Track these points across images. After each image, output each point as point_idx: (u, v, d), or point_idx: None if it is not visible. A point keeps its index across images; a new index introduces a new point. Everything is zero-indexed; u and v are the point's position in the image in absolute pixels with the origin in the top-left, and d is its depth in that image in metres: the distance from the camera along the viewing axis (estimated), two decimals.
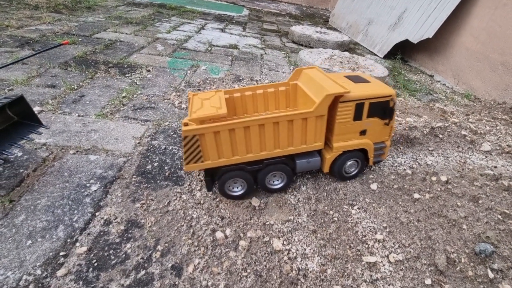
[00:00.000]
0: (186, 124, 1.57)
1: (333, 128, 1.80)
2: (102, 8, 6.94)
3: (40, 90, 2.99)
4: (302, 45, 6.63)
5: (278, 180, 1.93)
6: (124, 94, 3.14)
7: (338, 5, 9.82)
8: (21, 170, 1.95)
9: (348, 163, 1.94)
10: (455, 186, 1.84)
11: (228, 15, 8.75)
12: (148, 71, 3.87)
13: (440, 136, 2.26)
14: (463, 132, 2.29)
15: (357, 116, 1.77)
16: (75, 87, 3.14)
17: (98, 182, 1.95)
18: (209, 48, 5.23)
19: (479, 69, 4.78)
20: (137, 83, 3.47)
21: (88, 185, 1.92)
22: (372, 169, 2.14)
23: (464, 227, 1.63)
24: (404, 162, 2.13)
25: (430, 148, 2.19)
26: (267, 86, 2.06)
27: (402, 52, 6.29)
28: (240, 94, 2.01)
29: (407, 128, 2.32)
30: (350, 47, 6.91)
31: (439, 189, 1.85)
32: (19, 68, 3.35)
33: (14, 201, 1.73)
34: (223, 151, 1.66)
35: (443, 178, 1.88)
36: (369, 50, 7.06)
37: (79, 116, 2.66)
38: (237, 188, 1.88)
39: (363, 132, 1.86)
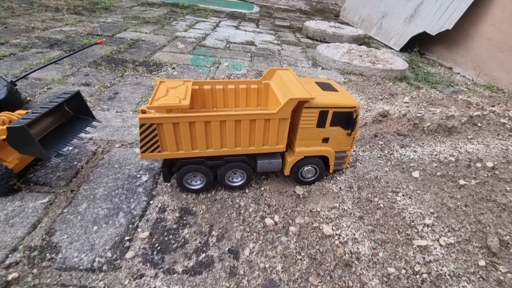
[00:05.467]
0: (143, 112, 1.51)
1: (296, 133, 1.80)
2: (118, 8, 7.07)
3: (76, 88, 3.10)
4: (317, 40, 6.63)
5: (238, 178, 1.91)
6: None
7: None
8: (75, 163, 2.05)
9: (305, 168, 1.93)
10: (502, 171, 1.86)
11: (239, 12, 8.79)
12: (173, 68, 3.95)
13: (479, 124, 2.27)
14: (502, 120, 2.30)
15: (321, 123, 1.78)
16: (108, 85, 3.24)
17: (147, 173, 2.04)
18: (227, 45, 5.30)
19: (501, 60, 4.72)
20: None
21: (138, 176, 2.01)
22: (411, 158, 2.18)
23: None
24: (444, 150, 2.16)
25: (469, 137, 2.22)
26: (239, 82, 2.02)
27: (419, 45, 6.23)
28: (211, 87, 1.96)
29: (444, 118, 2.35)
30: (364, 41, 6.88)
31: (485, 175, 1.88)
32: (53, 68, 3.47)
33: (74, 190, 1.83)
34: (182, 143, 1.63)
35: (489, 164, 1.91)
36: (384, 44, 7.01)
37: (117, 112, 2.76)
38: (196, 182, 1.86)
39: (325, 140, 1.86)
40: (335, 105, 1.74)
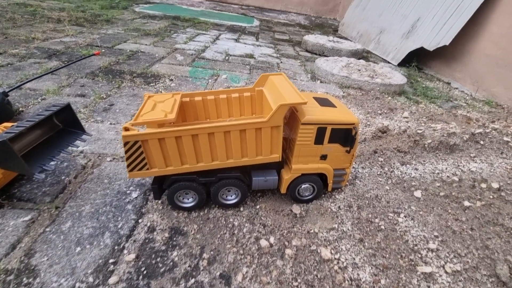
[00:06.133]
0: (127, 129, 1.45)
1: (293, 149, 1.73)
2: (120, 21, 7.16)
3: (71, 99, 3.06)
4: (316, 53, 6.69)
5: (232, 196, 1.84)
6: None
7: (348, 15, 9.95)
8: (63, 177, 1.97)
9: (303, 186, 1.86)
10: (509, 193, 1.79)
11: (240, 26, 8.93)
12: (171, 80, 3.93)
13: (482, 142, 2.21)
14: (506, 138, 2.24)
15: (318, 140, 1.71)
16: (104, 96, 3.20)
17: (138, 189, 1.95)
18: (227, 58, 5.32)
19: (500, 76, 4.73)
20: (162, 92, 3.53)
21: (128, 192, 1.93)
22: (412, 176, 2.11)
23: None
24: (446, 169, 2.09)
25: (472, 155, 2.15)
26: (231, 91, 1.96)
27: (416, 60, 6.28)
28: (202, 98, 1.90)
29: (445, 134, 2.29)
30: (363, 55, 6.94)
31: (491, 197, 1.80)
32: (50, 79, 3.44)
33: (60, 207, 1.74)
34: (170, 159, 1.56)
35: (495, 185, 1.83)
36: (382, 58, 7.08)
37: (111, 124, 2.70)
38: (188, 199, 1.78)
39: (323, 157, 1.79)
40: (334, 121, 1.68)
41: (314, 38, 7.00)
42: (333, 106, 1.83)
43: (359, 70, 4.95)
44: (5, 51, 4.08)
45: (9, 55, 3.98)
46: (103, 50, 4.72)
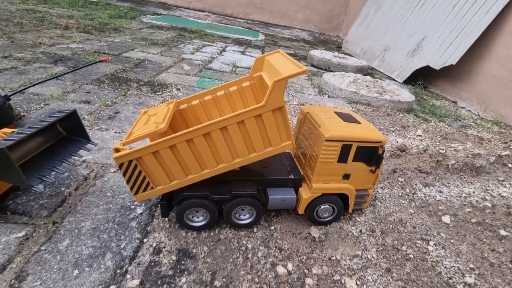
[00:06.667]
0: (117, 150, 1.33)
1: (314, 167, 1.63)
2: (128, 30, 7.19)
3: (75, 105, 2.95)
4: (321, 68, 6.71)
5: (246, 215, 1.71)
6: None
7: (352, 33, 10.12)
8: (63, 189, 1.82)
9: (322, 207, 1.74)
10: None
11: (245, 39, 9.02)
12: (178, 89, 3.86)
13: (509, 165, 2.10)
14: None
15: (342, 158, 1.60)
16: (110, 104, 3.10)
17: (143, 204, 1.81)
18: (234, 69, 5.29)
19: (508, 97, 4.71)
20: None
21: (132, 207, 1.78)
22: (438, 199, 1.97)
23: None
24: (474, 192, 1.96)
25: (500, 178, 2.04)
26: (229, 85, 1.81)
27: (422, 78, 6.30)
28: (199, 100, 1.79)
29: (470, 155, 2.18)
30: (368, 71, 6.97)
31: None
32: (54, 84, 3.35)
33: (57, 223, 1.58)
34: (172, 172, 1.43)
35: None
36: (387, 75, 7.11)
37: (116, 132, 2.57)
38: (198, 218, 1.65)
39: (346, 176, 1.68)
40: (360, 138, 1.57)
41: (319, 53, 7.05)
42: (357, 122, 1.72)
43: (367, 86, 4.92)
44: (10, 54, 4.01)
45: (14, 58, 3.90)
46: (110, 58, 4.67)
